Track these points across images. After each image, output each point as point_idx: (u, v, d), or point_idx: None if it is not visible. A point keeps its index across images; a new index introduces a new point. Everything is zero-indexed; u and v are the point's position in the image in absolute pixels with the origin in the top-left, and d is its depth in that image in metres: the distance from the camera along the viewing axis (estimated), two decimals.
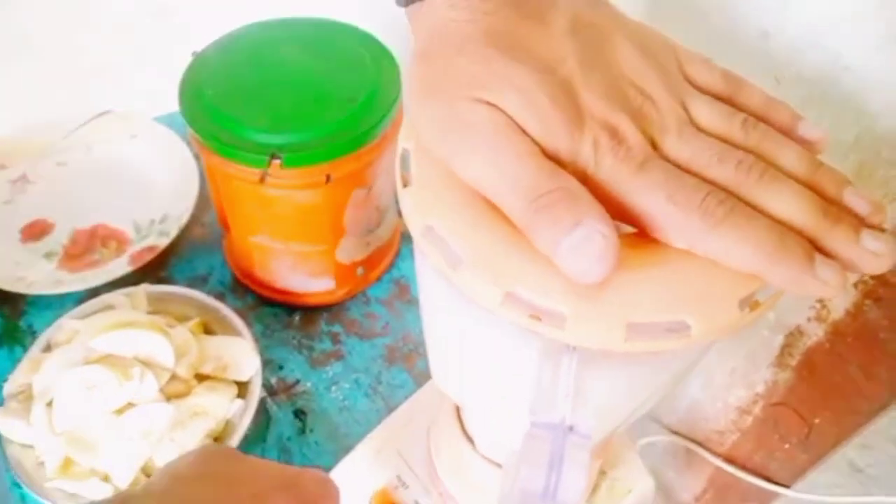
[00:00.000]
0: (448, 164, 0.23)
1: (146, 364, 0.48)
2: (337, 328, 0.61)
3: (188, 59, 0.54)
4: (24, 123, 0.72)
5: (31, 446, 0.48)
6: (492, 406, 0.30)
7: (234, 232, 0.57)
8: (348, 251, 0.57)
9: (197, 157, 0.68)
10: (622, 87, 0.23)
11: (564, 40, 0.24)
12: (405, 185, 0.24)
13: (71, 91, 0.75)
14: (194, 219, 0.65)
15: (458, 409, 0.39)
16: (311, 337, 0.60)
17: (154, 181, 0.69)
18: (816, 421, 0.39)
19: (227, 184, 0.52)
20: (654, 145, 0.23)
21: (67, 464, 0.47)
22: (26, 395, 0.50)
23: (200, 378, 0.51)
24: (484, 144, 0.22)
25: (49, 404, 0.48)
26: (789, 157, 0.23)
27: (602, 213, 0.21)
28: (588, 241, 0.20)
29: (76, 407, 0.47)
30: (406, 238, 0.66)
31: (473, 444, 0.37)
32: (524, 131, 0.22)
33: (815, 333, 0.35)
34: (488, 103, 0.23)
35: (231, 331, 0.54)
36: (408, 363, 0.59)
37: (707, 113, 0.24)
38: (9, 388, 0.51)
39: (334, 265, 0.57)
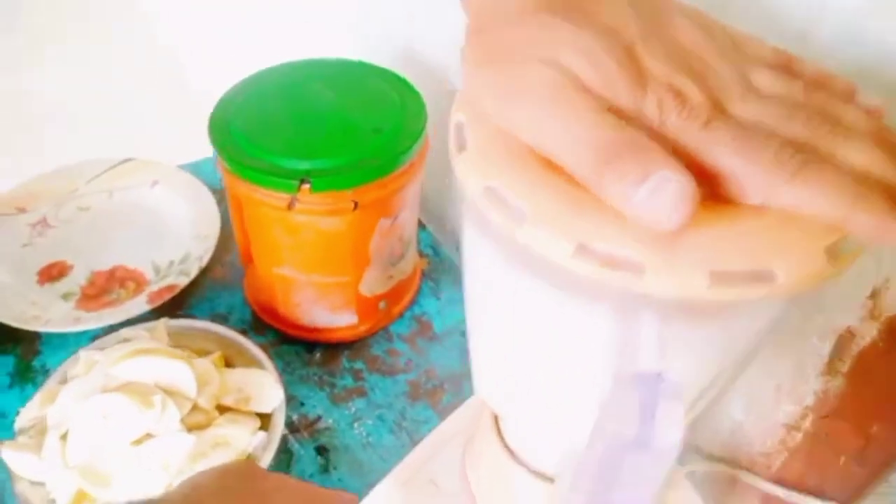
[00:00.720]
0: (509, 128, 0.23)
1: (168, 392, 0.46)
2: (359, 365, 0.59)
3: (208, 110, 0.54)
4: (48, 170, 0.72)
5: (41, 483, 0.46)
6: (545, 403, 0.29)
7: (258, 264, 0.57)
8: (371, 283, 0.56)
9: (219, 203, 0.68)
10: (683, 56, 0.23)
11: (622, 9, 0.24)
12: (460, 151, 0.24)
13: (94, 140, 0.76)
14: (215, 259, 0.65)
15: (497, 423, 0.37)
16: (333, 374, 0.58)
17: (175, 224, 0.68)
18: (873, 430, 0.37)
19: (254, 212, 0.52)
20: (718, 109, 0.23)
21: (80, 498, 0.45)
22: (39, 429, 0.48)
23: (222, 410, 0.49)
24: (546, 103, 0.22)
25: (63, 437, 0.46)
26: (854, 117, 0.23)
27: (672, 160, 0.20)
28: (662, 188, 0.19)
29: (92, 438, 0.45)
30: (426, 276, 0.66)
31: (515, 457, 0.35)
32: (587, 90, 0.22)
33: (869, 333, 0.34)
34: (550, 64, 0.22)
35: (254, 363, 0.53)
36: (432, 399, 0.57)
37: (768, 80, 0.24)
38: (20, 421, 0.49)
39: (357, 298, 0.56)
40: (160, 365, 0.47)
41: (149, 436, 0.45)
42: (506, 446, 0.36)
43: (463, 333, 0.62)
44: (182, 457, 0.45)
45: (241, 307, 0.62)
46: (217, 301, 0.63)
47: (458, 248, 0.66)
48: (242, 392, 0.50)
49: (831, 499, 0.39)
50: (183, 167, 0.73)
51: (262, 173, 0.48)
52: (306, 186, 0.47)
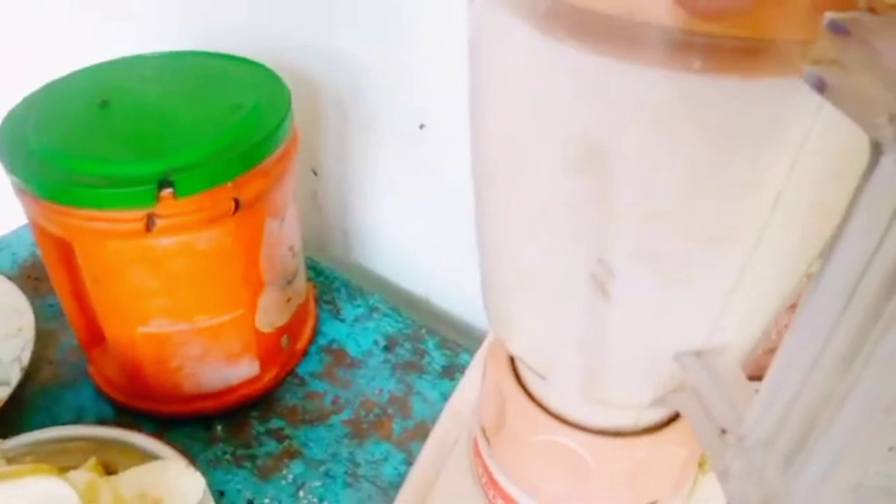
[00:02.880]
0: None
1: None
2: (276, 423, 0.47)
3: None
4: None
5: None
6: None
7: (112, 332, 0.43)
8: (270, 313, 0.45)
9: (21, 288, 0.52)
10: None
11: None
12: None
13: None
14: (38, 358, 0.49)
15: (517, 376, 0.29)
16: (248, 444, 0.45)
17: None
18: None
19: (95, 256, 0.38)
20: None
21: None
22: None
23: None
24: None
25: None
26: None
27: None
28: None
29: None
30: (320, 299, 0.55)
31: (557, 416, 0.27)
32: None
33: None
34: None
35: (146, 457, 0.39)
36: (381, 431, 0.46)
37: None
38: None
39: (256, 336, 0.44)
40: (25, 490, 0.32)
41: None
42: (540, 406, 0.27)
43: (385, 348, 0.52)
44: None
45: (96, 402, 0.47)
46: (59, 406, 0.47)
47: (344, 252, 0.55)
48: (148, 496, 0.36)
49: None
50: None
51: (98, 189, 0.35)
52: (168, 192, 0.35)
